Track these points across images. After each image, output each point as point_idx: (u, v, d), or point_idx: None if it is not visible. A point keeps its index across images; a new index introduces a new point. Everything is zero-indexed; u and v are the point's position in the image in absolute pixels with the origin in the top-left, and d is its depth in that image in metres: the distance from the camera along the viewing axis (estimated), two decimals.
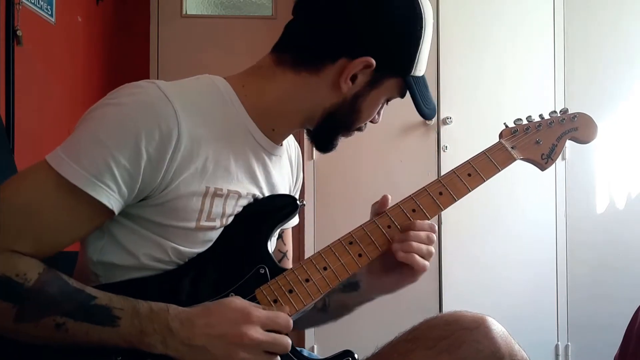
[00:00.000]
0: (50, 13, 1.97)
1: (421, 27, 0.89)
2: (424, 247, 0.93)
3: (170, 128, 0.79)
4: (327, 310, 1.07)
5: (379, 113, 0.97)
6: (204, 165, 0.84)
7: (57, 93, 2.08)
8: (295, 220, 1.11)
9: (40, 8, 1.90)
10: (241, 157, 0.89)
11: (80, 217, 0.79)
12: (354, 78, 0.89)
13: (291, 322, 0.82)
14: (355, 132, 0.98)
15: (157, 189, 0.81)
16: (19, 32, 1.71)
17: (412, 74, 0.91)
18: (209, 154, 0.84)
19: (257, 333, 0.77)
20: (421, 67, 0.92)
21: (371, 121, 0.97)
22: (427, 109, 0.93)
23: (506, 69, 2.49)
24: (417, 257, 0.92)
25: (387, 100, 0.96)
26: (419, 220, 0.94)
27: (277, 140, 0.94)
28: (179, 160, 0.81)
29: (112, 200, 0.78)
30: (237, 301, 0.80)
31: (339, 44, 0.88)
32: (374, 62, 0.87)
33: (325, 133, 0.95)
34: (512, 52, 2.50)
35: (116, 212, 0.80)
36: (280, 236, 1.10)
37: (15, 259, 0.75)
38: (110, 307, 0.77)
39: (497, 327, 0.92)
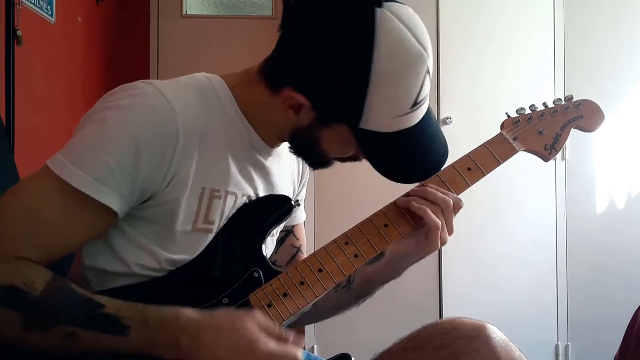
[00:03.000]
0: (50, 13, 1.97)
1: (366, 70, 0.76)
2: (430, 206, 0.90)
3: (170, 129, 0.79)
4: (351, 287, 1.03)
5: (360, 153, 0.87)
6: (201, 165, 0.83)
7: (57, 93, 2.08)
8: (302, 216, 1.11)
9: (40, 8, 1.90)
10: (238, 157, 0.87)
11: (86, 221, 0.79)
12: (297, 109, 0.83)
13: (301, 358, 0.77)
14: (351, 161, 0.91)
15: (158, 190, 0.81)
16: (19, 32, 1.71)
17: (361, 126, 0.79)
18: (206, 153, 0.83)
19: None
20: (381, 123, 0.79)
21: (355, 158, 0.90)
22: (396, 170, 0.84)
23: (506, 69, 2.49)
24: (429, 211, 0.90)
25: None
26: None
27: (271, 144, 0.91)
28: (178, 160, 0.80)
29: (117, 202, 0.78)
30: (249, 326, 0.76)
31: (284, 69, 0.83)
32: (304, 100, 0.80)
33: (303, 153, 0.90)
34: (512, 52, 2.50)
35: (120, 215, 0.80)
36: (291, 232, 1.08)
37: (22, 267, 0.75)
38: (118, 317, 0.75)
39: (497, 335, 0.90)
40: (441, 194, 0.92)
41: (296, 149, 0.90)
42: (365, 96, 0.77)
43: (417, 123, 0.82)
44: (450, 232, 0.93)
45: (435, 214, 0.91)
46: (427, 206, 0.91)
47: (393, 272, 1.00)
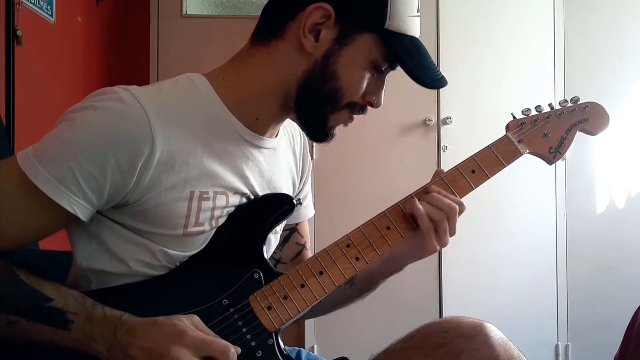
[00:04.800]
0: (50, 13, 1.97)
1: None
2: (436, 212, 0.89)
3: (142, 136, 0.78)
4: (355, 282, 1.03)
5: (375, 93, 0.88)
6: (186, 170, 0.82)
7: (57, 93, 2.08)
8: (309, 213, 1.11)
9: (40, 8, 1.90)
10: (227, 156, 0.86)
11: (41, 218, 0.79)
12: (317, 34, 0.83)
13: (230, 350, 0.76)
14: (355, 115, 0.90)
15: (130, 196, 0.80)
16: (19, 32, 1.71)
17: (387, 27, 0.83)
18: (190, 157, 0.82)
19: (182, 355, 0.73)
20: (401, 22, 0.83)
21: (370, 104, 0.89)
22: (420, 72, 0.85)
23: (506, 69, 2.50)
24: (425, 215, 0.89)
25: (375, 68, 0.86)
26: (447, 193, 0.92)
27: (263, 131, 0.90)
28: (154, 168, 0.79)
29: (75, 205, 0.77)
30: (182, 318, 0.77)
31: None
32: (330, 8, 0.81)
33: (309, 112, 0.88)
34: (512, 52, 2.50)
35: (82, 217, 0.79)
36: (295, 229, 1.08)
37: None
38: (64, 311, 0.76)
39: (496, 334, 0.90)
40: (447, 200, 0.91)
41: (304, 107, 0.88)
42: None
43: (419, 37, 0.87)
44: (452, 234, 0.92)
45: (438, 219, 0.90)
46: (431, 211, 0.90)
47: (393, 268, 1.01)
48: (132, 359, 0.75)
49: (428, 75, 0.86)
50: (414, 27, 0.86)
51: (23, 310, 0.76)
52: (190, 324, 0.77)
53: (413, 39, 0.86)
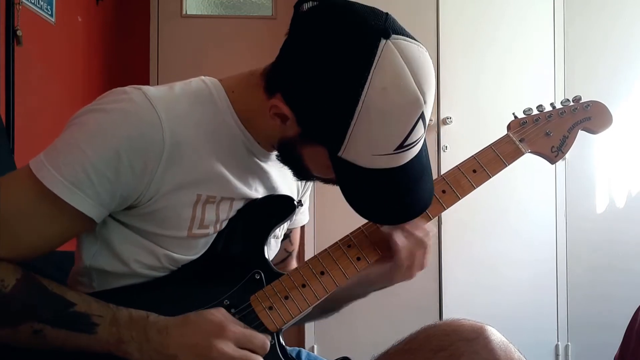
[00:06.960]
0: (50, 13, 1.97)
1: (354, 101, 0.71)
2: (407, 243, 0.88)
3: (154, 136, 0.77)
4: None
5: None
6: (194, 173, 0.82)
7: (57, 93, 2.08)
8: (304, 219, 1.10)
9: (40, 8, 1.90)
10: (234, 161, 0.86)
11: (58, 224, 0.78)
12: (284, 119, 0.79)
13: (268, 345, 0.79)
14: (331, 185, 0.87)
15: (142, 197, 0.80)
16: (19, 32, 1.71)
17: (341, 155, 0.76)
18: (199, 161, 0.82)
19: (227, 347, 0.75)
20: (360, 158, 0.76)
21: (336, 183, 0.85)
22: (362, 206, 0.80)
23: (506, 69, 2.49)
24: (398, 242, 0.87)
25: None
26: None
27: (267, 148, 0.89)
28: (164, 168, 0.79)
29: (90, 208, 0.77)
30: (217, 314, 0.78)
31: (278, 76, 0.79)
32: (288, 112, 0.77)
33: (288, 163, 0.87)
34: (512, 52, 2.50)
35: (97, 220, 0.79)
36: (287, 235, 1.07)
37: None
38: (89, 315, 0.76)
39: (497, 337, 0.90)
40: (418, 235, 0.89)
41: (283, 159, 0.87)
42: (348, 126, 0.73)
43: (401, 166, 0.78)
44: (420, 269, 0.92)
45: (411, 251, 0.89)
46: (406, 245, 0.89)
47: (360, 292, 1.00)
48: (173, 357, 0.76)
49: (378, 212, 0.82)
50: (383, 163, 0.77)
51: (48, 317, 0.75)
52: (222, 316, 0.78)
53: (381, 172, 0.77)
